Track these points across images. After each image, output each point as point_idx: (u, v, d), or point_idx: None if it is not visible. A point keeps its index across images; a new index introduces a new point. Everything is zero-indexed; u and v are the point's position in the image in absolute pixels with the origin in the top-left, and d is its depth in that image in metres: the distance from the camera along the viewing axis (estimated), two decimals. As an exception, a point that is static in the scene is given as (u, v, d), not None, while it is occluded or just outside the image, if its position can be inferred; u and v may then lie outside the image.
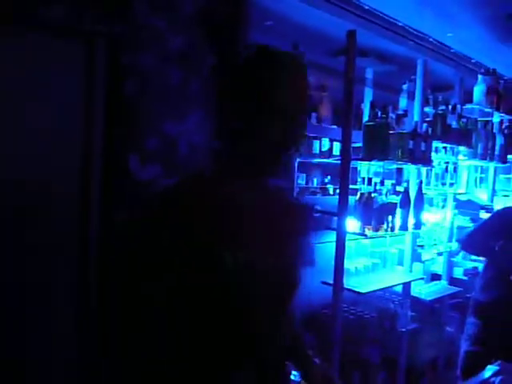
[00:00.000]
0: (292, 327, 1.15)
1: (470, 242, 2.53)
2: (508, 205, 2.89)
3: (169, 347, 0.93)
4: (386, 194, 2.40)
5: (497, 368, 1.37)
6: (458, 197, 3.19)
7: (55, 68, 1.55)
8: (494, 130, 3.21)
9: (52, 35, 1.53)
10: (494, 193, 3.57)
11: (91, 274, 1.61)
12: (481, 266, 2.75)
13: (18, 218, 1.49)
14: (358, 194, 2.35)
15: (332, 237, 2.30)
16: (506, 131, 3.27)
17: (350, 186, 2.29)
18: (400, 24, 2.78)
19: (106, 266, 1.60)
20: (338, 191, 2.32)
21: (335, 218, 2.30)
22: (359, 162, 2.49)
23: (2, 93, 1.44)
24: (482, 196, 3.57)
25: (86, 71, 1.63)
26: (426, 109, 2.85)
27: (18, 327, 1.52)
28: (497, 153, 3.18)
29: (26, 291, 1.52)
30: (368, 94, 3.05)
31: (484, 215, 3.29)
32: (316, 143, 3.54)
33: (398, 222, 2.46)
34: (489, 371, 1.35)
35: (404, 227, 2.49)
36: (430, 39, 2.96)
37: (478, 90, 3.07)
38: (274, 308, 1.00)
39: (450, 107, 2.87)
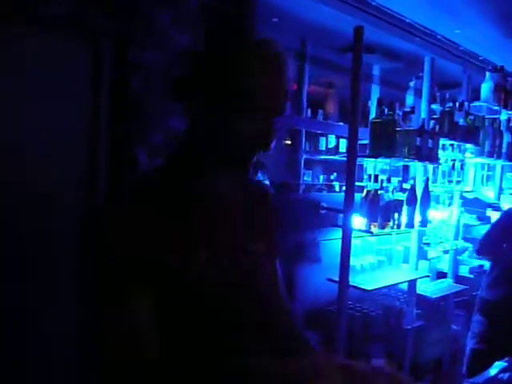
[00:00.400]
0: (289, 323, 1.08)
1: (484, 247, 2.52)
2: None
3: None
4: (393, 191, 2.39)
5: (505, 364, 1.37)
6: (464, 194, 3.18)
7: (62, 65, 1.56)
8: (502, 128, 3.19)
9: (58, 33, 1.54)
10: (500, 191, 3.55)
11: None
12: (487, 265, 2.74)
13: (23, 211, 1.49)
14: (364, 191, 2.34)
15: (338, 234, 2.30)
16: (513, 129, 3.25)
17: (356, 184, 2.28)
18: (407, 21, 2.76)
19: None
20: (344, 188, 2.32)
21: (341, 215, 2.30)
22: (365, 159, 2.49)
23: (9, 91, 1.45)
24: (488, 194, 3.55)
25: (92, 68, 1.64)
26: (433, 106, 2.84)
27: (17, 325, 1.53)
28: (504, 150, 3.17)
29: (26, 283, 1.53)
30: (375, 91, 3.04)
31: (491, 213, 3.27)
32: (322, 140, 3.54)
33: (404, 219, 2.45)
34: (496, 368, 1.34)
35: (410, 224, 2.49)
36: (438, 36, 2.95)
37: (486, 87, 3.05)
38: (255, 307, 0.95)
39: (457, 104, 2.85)
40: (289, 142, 3.16)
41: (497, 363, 1.38)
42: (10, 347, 1.52)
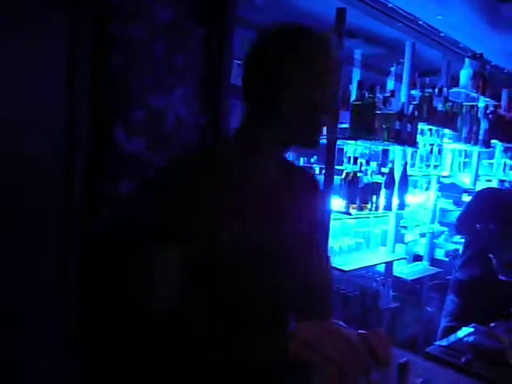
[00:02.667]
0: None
1: (460, 225, 2.58)
2: (488, 186, 2.96)
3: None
4: (371, 175, 2.43)
5: (471, 330, 1.43)
6: (441, 180, 3.24)
7: (35, 38, 1.52)
8: (479, 115, 3.25)
9: (31, 3, 1.50)
10: (477, 177, 3.63)
11: (75, 248, 1.61)
12: (461, 248, 2.82)
13: None
14: (344, 172, 2.37)
15: (317, 215, 2.32)
16: (490, 116, 3.31)
17: (336, 167, 2.31)
18: (390, 5, 2.77)
19: (91, 238, 1.59)
20: (323, 171, 2.34)
21: (321, 197, 2.33)
22: (346, 142, 2.51)
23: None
24: (465, 180, 3.63)
25: (69, 41, 1.60)
26: (413, 92, 2.88)
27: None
28: (481, 137, 3.23)
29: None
30: (356, 75, 3.06)
31: (466, 198, 3.35)
32: (303, 123, 3.54)
33: (382, 202, 2.49)
34: (463, 332, 1.41)
35: (388, 207, 2.53)
36: (419, 22, 2.96)
37: (465, 74, 3.10)
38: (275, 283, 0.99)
39: (436, 90, 2.89)
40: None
41: (464, 328, 1.44)
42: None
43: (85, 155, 1.62)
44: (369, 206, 2.40)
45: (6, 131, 1.48)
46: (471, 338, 1.30)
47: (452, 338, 1.39)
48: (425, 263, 3.25)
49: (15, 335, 1.49)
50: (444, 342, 1.34)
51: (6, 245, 1.48)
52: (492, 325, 1.62)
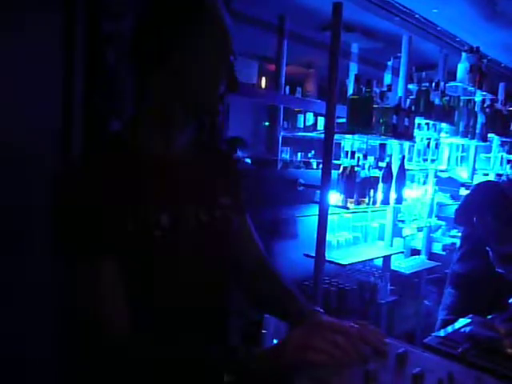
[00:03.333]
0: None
1: (458, 217, 2.58)
2: (486, 179, 2.96)
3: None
4: (369, 169, 2.43)
5: (469, 321, 1.44)
6: (438, 174, 3.25)
7: (33, 34, 1.52)
8: (476, 109, 3.25)
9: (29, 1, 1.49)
10: (474, 171, 3.64)
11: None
12: (459, 242, 2.82)
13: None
14: (341, 167, 2.37)
15: (315, 210, 2.33)
16: (487, 110, 3.32)
17: (334, 162, 2.31)
18: (386, -2, 2.77)
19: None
20: (321, 166, 2.34)
21: (318, 192, 2.33)
22: (343, 136, 2.51)
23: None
24: (462, 174, 3.63)
25: (65, 37, 1.60)
26: (410, 86, 2.87)
27: None
28: (478, 131, 3.23)
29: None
30: (353, 69, 3.06)
31: (464, 192, 3.36)
32: (300, 118, 3.54)
33: (379, 196, 2.50)
34: (460, 323, 1.41)
35: (386, 201, 2.53)
36: (416, 15, 2.96)
37: (462, 68, 3.09)
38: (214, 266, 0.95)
39: (433, 84, 2.89)
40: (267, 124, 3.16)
41: (461, 320, 1.45)
42: None
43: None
44: (366, 200, 2.41)
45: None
46: (468, 329, 1.31)
47: (449, 329, 1.39)
48: (422, 257, 3.26)
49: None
50: (441, 333, 1.34)
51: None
52: (489, 317, 1.63)
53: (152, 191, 0.87)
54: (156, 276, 0.87)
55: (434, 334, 1.37)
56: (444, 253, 3.33)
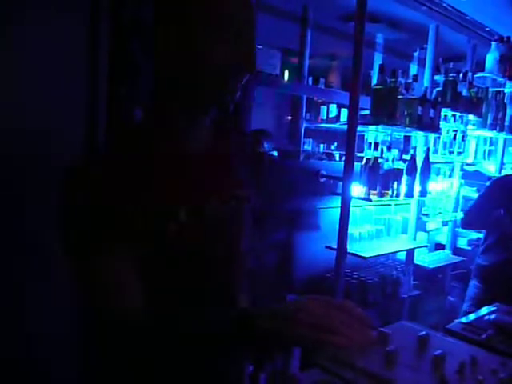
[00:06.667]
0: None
1: (471, 219, 2.54)
2: (506, 173, 2.89)
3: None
4: (393, 161, 2.39)
5: (494, 308, 1.42)
6: (465, 167, 3.18)
7: (59, 25, 1.54)
8: (506, 101, 3.16)
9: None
10: (502, 165, 3.55)
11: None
12: (483, 235, 2.76)
13: (17, 167, 1.49)
14: (364, 158, 2.34)
15: (337, 202, 2.31)
16: (517, 102, 3.22)
17: (357, 154, 2.27)
18: (413, -12, 2.71)
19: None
20: (344, 158, 2.32)
21: (340, 183, 2.31)
22: (366, 128, 2.48)
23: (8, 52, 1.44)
24: (490, 168, 3.54)
25: (89, 27, 1.62)
26: (437, 77, 2.81)
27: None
28: (507, 123, 3.15)
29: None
30: (377, 59, 3.01)
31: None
32: (323, 109, 3.51)
33: (403, 188, 2.46)
34: (485, 310, 1.39)
35: (410, 194, 2.49)
36: (444, 4, 2.89)
37: (491, 58, 3.01)
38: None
39: (460, 75, 2.82)
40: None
41: (486, 307, 1.43)
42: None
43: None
44: (390, 192, 2.37)
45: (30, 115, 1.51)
46: (493, 316, 1.29)
47: (472, 316, 1.37)
48: (447, 252, 3.20)
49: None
50: (464, 320, 1.32)
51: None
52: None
53: (171, 182, 0.86)
54: (169, 268, 0.86)
55: (456, 320, 1.34)
56: (469, 248, 3.26)
